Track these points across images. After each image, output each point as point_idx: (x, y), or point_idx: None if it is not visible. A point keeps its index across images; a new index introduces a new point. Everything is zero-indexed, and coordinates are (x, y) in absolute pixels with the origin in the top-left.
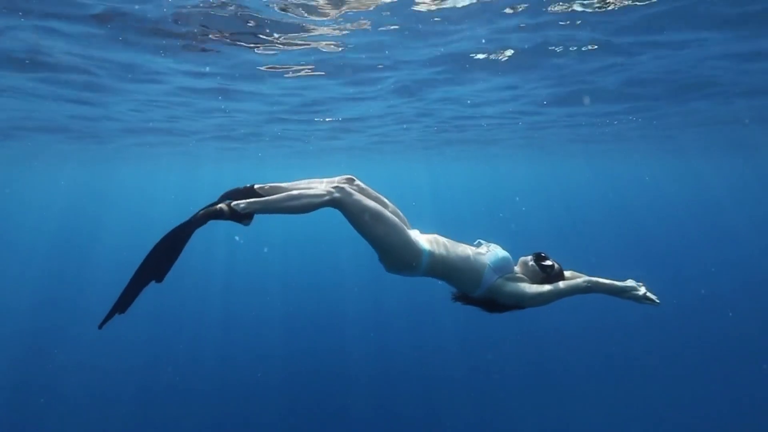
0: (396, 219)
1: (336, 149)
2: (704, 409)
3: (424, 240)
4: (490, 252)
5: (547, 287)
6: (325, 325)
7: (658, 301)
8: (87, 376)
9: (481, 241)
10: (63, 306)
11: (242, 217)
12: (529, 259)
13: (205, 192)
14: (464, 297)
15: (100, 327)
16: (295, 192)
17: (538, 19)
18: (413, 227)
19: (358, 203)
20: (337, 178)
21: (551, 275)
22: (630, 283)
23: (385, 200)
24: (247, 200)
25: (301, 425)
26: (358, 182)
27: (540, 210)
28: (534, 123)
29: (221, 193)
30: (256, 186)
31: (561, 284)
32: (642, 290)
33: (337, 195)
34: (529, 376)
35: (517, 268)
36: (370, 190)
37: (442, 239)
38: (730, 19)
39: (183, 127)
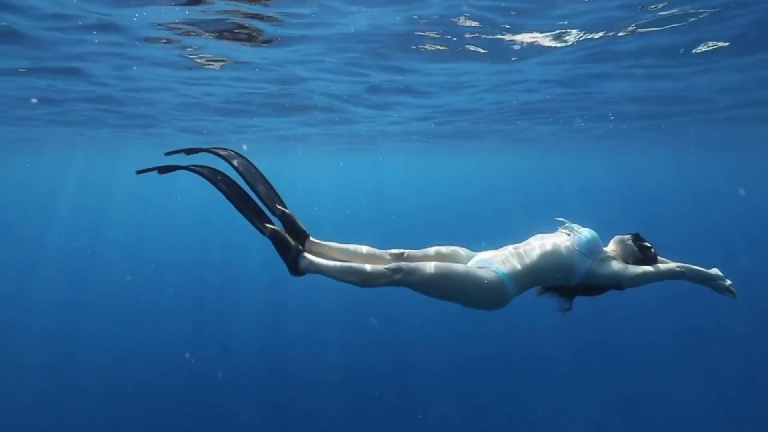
0: (460, 268)
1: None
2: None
3: (498, 263)
4: (574, 236)
5: (645, 268)
6: (299, 318)
7: (736, 295)
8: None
9: (564, 221)
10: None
11: (297, 270)
12: (627, 238)
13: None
14: (558, 289)
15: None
16: (355, 266)
17: None
18: (470, 248)
19: (421, 279)
20: (388, 256)
21: (649, 257)
22: (716, 271)
23: (439, 249)
24: (311, 259)
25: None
26: (407, 252)
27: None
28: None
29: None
30: (309, 237)
31: (660, 266)
32: (727, 282)
33: (397, 277)
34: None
35: (609, 247)
36: (421, 252)
37: (511, 250)
38: None
39: None
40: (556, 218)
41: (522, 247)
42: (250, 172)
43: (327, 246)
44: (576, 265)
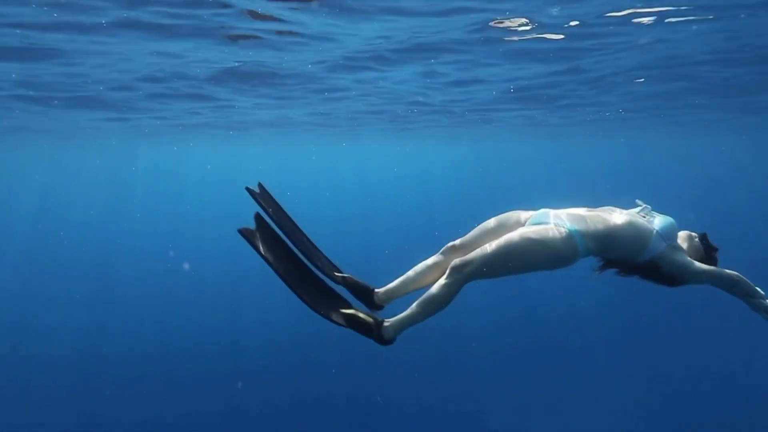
0: (516, 236)
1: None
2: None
3: (565, 219)
4: (654, 217)
5: (711, 267)
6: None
7: None
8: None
9: (642, 204)
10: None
11: (386, 342)
12: (695, 236)
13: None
14: (619, 265)
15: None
16: (425, 299)
17: None
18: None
19: (483, 264)
20: (441, 256)
21: (712, 259)
22: (761, 291)
23: (486, 225)
24: (393, 325)
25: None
26: (458, 242)
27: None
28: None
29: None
30: (376, 291)
31: (724, 270)
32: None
33: (460, 276)
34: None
35: (678, 241)
36: (471, 236)
37: (584, 211)
38: None
39: None
40: (636, 201)
41: (597, 211)
42: (303, 243)
43: (394, 289)
44: (651, 243)
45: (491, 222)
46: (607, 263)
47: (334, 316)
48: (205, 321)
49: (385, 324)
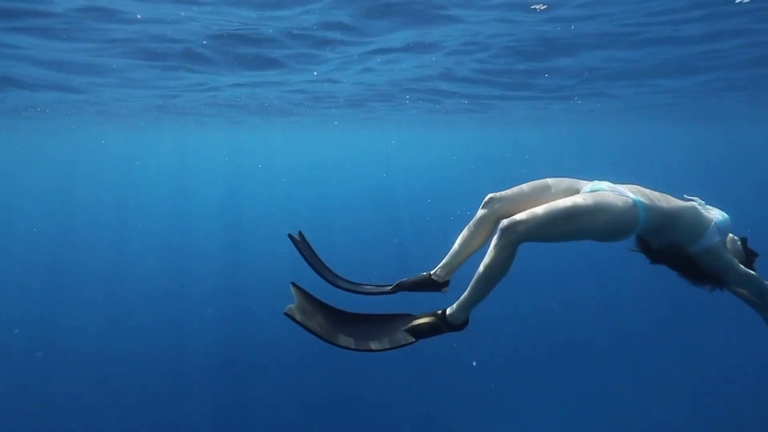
0: (578, 198)
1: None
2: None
3: (627, 191)
4: (709, 210)
5: (752, 272)
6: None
7: None
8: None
9: (694, 198)
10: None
11: (459, 329)
12: (737, 239)
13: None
14: (658, 251)
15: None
16: (480, 273)
17: None
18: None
19: (541, 226)
20: (482, 214)
21: (751, 264)
22: None
23: (541, 183)
24: (458, 307)
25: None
26: (499, 195)
27: None
28: None
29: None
30: (431, 274)
31: (764, 280)
32: None
33: (513, 238)
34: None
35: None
36: (522, 189)
37: (643, 189)
38: None
39: None
40: (686, 196)
41: (657, 192)
42: (342, 283)
43: (449, 262)
44: (707, 234)
45: (542, 182)
46: (644, 245)
47: (401, 339)
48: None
49: (449, 312)
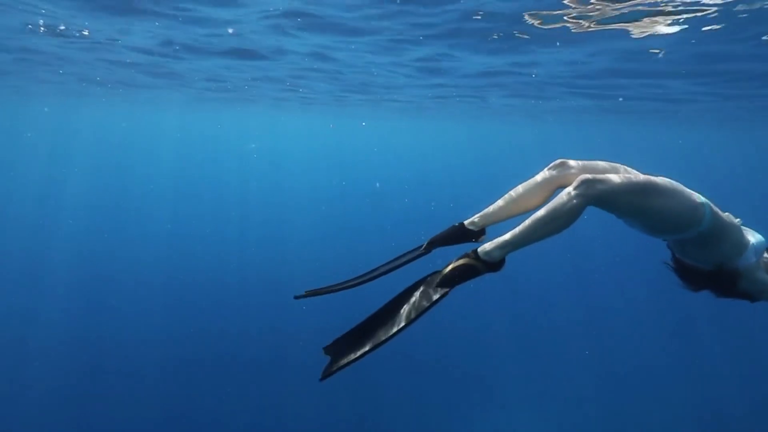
0: (661, 179)
1: None
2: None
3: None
4: (748, 229)
5: None
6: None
7: None
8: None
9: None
10: None
11: (496, 269)
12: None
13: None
14: (693, 267)
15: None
16: (541, 215)
17: None
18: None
19: (620, 191)
20: (548, 173)
21: None
22: None
23: (622, 166)
24: (495, 244)
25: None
26: (573, 162)
27: None
28: None
29: None
30: (465, 223)
31: None
32: None
33: (591, 192)
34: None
35: None
36: (596, 162)
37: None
38: None
39: None
40: (728, 214)
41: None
42: (386, 269)
43: (491, 213)
44: (746, 253)
45: (617, 164)
46: (678, 260)
47: (435, 297)
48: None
49: (484, 251)
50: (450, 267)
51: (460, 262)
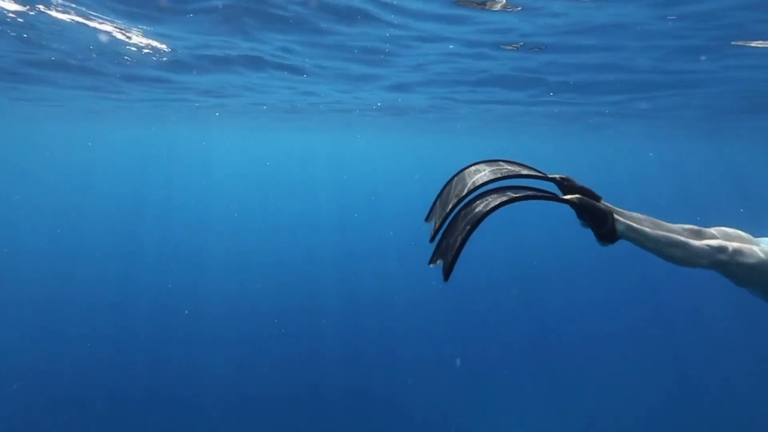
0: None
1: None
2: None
3: None
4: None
5: None
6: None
7: None
8: None
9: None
10: None
11: (611, 238)
12: None
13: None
14: None
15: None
16: (680, 239)
17: None
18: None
19: (746, 263)
20: (687, 232)
21: None
22: None
23: (725, 230)
24: (628, 223)
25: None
26: (703, 230)
27: None
28: None
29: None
30: (610, 206)
31: None
32: None
33: (721, 257)
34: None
35: None
36: (711, 232)
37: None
38: None
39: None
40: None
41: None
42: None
43: (631, 216)
44: None
45: (732, 230)
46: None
47: (553, 196)
48: None
49: (617, 217)
50: (581, 195)
51: (600, 204)
